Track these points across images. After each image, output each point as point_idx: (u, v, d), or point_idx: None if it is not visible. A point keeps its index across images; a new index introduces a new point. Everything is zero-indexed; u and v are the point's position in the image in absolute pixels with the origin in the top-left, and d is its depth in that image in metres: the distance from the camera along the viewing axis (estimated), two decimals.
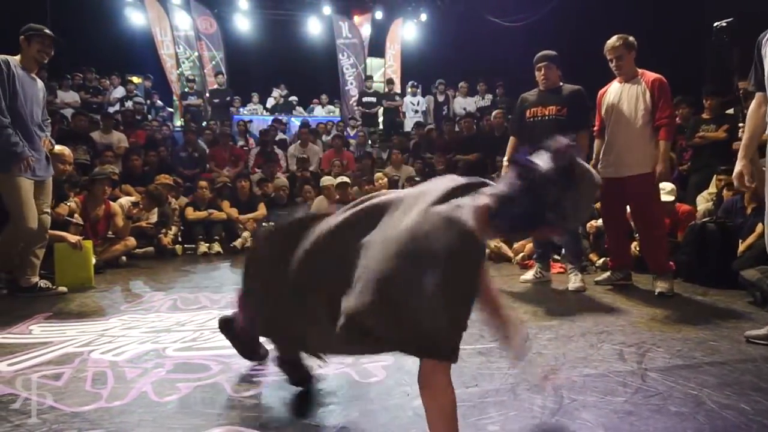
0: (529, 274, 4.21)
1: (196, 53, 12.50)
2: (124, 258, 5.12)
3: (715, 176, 5.16)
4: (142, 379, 2.14)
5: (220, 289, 4.00)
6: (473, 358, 2.34)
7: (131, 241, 5.13)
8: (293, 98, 13.04)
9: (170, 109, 12.40)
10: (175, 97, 12.41)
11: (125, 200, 5.40)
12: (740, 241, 4.09)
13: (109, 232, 5.03)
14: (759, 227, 3.93)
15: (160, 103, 11.94)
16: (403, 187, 6.66)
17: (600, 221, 5.08)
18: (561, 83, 3.96)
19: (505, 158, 4.24)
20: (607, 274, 4.08)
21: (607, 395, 1.93)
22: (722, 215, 4.42)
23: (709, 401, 1.87)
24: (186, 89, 11.23)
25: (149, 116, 10.56)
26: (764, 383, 2.03)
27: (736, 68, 3.81)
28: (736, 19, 2.83)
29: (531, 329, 2.81)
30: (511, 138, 4.21)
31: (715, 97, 5.52)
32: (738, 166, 2.60)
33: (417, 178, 6.78)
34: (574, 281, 3.87)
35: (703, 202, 5.20)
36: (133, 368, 2.27)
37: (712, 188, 5.21)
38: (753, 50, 2.62)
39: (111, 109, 9.75)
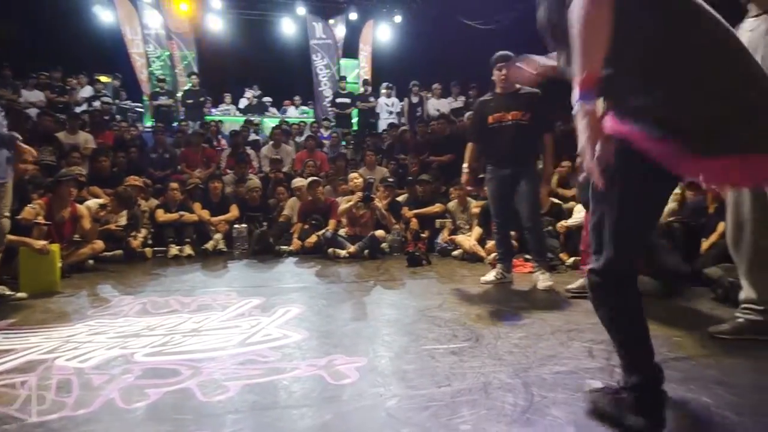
0: (491, 275, 4.19)
1: (167, 52, 12.31)
2: (91, 261, 5.00)
3: None
4: (109, 385, 2.09)
5: (192, 292, 3.94)
6: (446, 357, 2.36)
7: (98, 244, 5.00)
8: (267, 99, 12.95)
9: (140, 109, 12.18)
10: (145, 97, 12.20)
11: (92, 202, 5.27)
12: (703, 240, 4.21)
13: (76, 235, 4.90)
14: (720, 226, 4.05)
15: (129, 102, 11.71)
16: (377, 190, 6.65)
17: (570, 221, 5.17)
18: (518, 86, 3.97)
19: (465, 164, 4.22)
20: (581, 281, 3.65)
21: (577, 392, 1.96)
22: (686, 215, 4.55)
23: (673, 395, 1.91)
24: (157, 89, 11.04)
25: (117, 116, 10.34)
26: (726, 377, 2.09)
27: None
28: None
29: (502, 328, 2.84)
30: (470, 144, 4.23)
31: None
32: None
33: (390, 179, 6.79)
34: (543, 280, 3.92)
35: (668, 202, 5.34)
36: (99, 375, 2.22)
37: (677, 189, 5.36)
38: None
39: (78, 109, 9.51)
